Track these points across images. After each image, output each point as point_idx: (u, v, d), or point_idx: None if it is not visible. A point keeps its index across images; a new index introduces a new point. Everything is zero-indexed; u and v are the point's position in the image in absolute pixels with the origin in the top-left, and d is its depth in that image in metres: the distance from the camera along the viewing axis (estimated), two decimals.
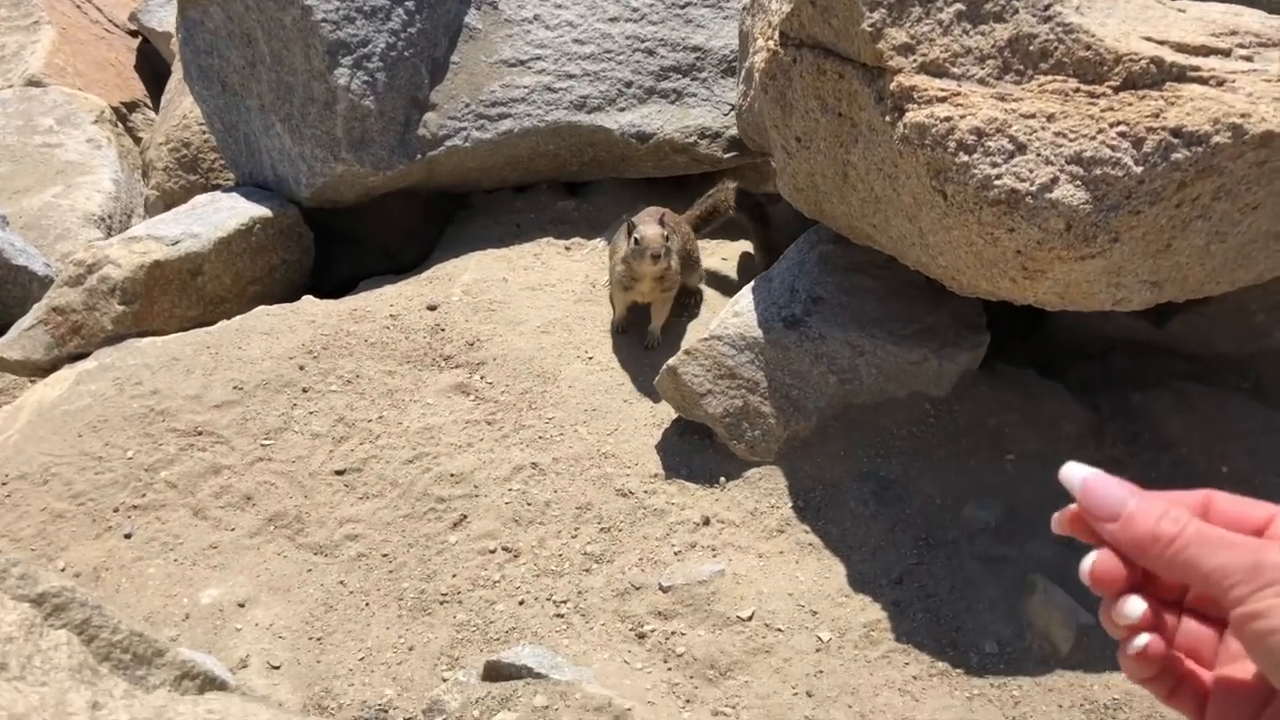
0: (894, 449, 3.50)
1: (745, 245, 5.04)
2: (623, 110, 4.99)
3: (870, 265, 3.74)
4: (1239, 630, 0.75)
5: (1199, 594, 0.87)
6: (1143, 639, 0.83)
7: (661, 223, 4.03)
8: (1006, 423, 3.57)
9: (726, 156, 5.05)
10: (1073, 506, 0.88)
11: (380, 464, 3.83)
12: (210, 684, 2.38)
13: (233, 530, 3.63)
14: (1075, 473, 0.87)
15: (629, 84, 5.00)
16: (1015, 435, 3.52)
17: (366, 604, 3.38)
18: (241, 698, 2.34)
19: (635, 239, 3.97)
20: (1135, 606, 0.83)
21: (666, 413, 3.87)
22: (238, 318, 4.49)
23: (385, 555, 3.52)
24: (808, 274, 3.72)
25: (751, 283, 3.80)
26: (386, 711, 3.03)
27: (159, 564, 3.52)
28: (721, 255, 5.05)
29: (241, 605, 3.39)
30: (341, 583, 3.45)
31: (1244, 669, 0.82)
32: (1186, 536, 0.80)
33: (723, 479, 3.60)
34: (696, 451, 3.73)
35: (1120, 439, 3.56)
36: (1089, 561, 0.86)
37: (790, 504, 3.47)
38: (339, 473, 3.81)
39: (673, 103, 5.03)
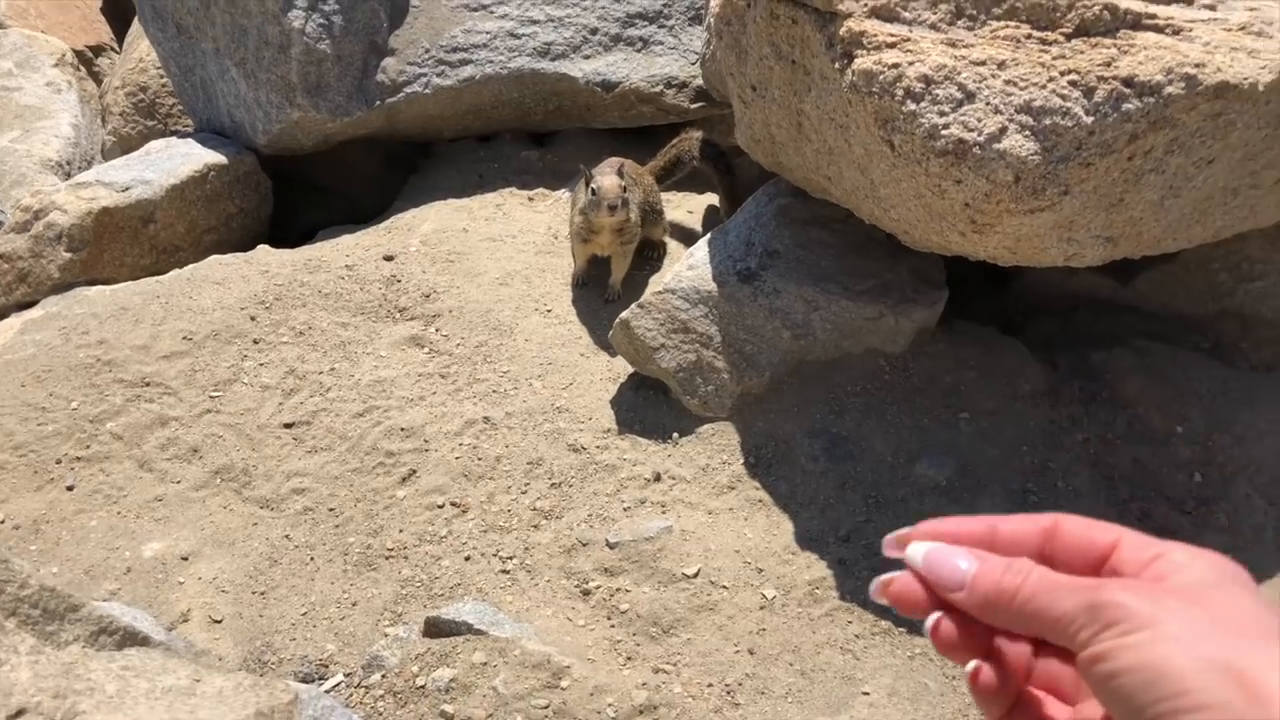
0: (847, 406, 3.46)
1: (711, 198, 4.95)
2: (588, 58, 4.87)
3: (828, 219, 3.67)
4: (1085, 674, 0.72)
5: None
6: (932, 619, 0.82)
7: (620, 173, 3.95)
8: (963, 381, 3.52)
9: (693, 107, 4.94)
10: (892, 575, 0.86)
11: (330, 417, 3.77)
12: (131, 639, 2.34)
13: (178, 483, 3.58)
14: (916, 551, 0.83)
15: (594, 31, 4.88)
16: (971, 393, 3.48)
17: (311, 558, 3.34)
18: (163, 653, 2.30)
19: (592, 190, 3.89)
20: (933, 618, 0.81)
21: (623, 367, 3.82)
22: (189, 267, 4.40)
23: (332, 510, 3.48)
24: (764, 227, 3.65)
25: (707, 235, 3.73)
26: (326, 666, 3.00)
27: (101, 516, 3.47)
28: (687, 208, 4.97)
29: (185, 559, 3.35)
30: (287, 537, 3.41)
31: (1096, 708, 0.78)
32: (1030, 586, 0.77)
33: (675, 435, 3.55)
34: (650, 407, 3.68)
35: (1077, 398, 3.52)
36: (878, 581, 0.83)
37: (742, 460, 3.43)
38: (288, 425, 3.75)
39: (639, 51, 4.91)
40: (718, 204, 4.83)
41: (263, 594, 3.23)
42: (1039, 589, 0.76)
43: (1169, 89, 2.42)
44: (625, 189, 3.90)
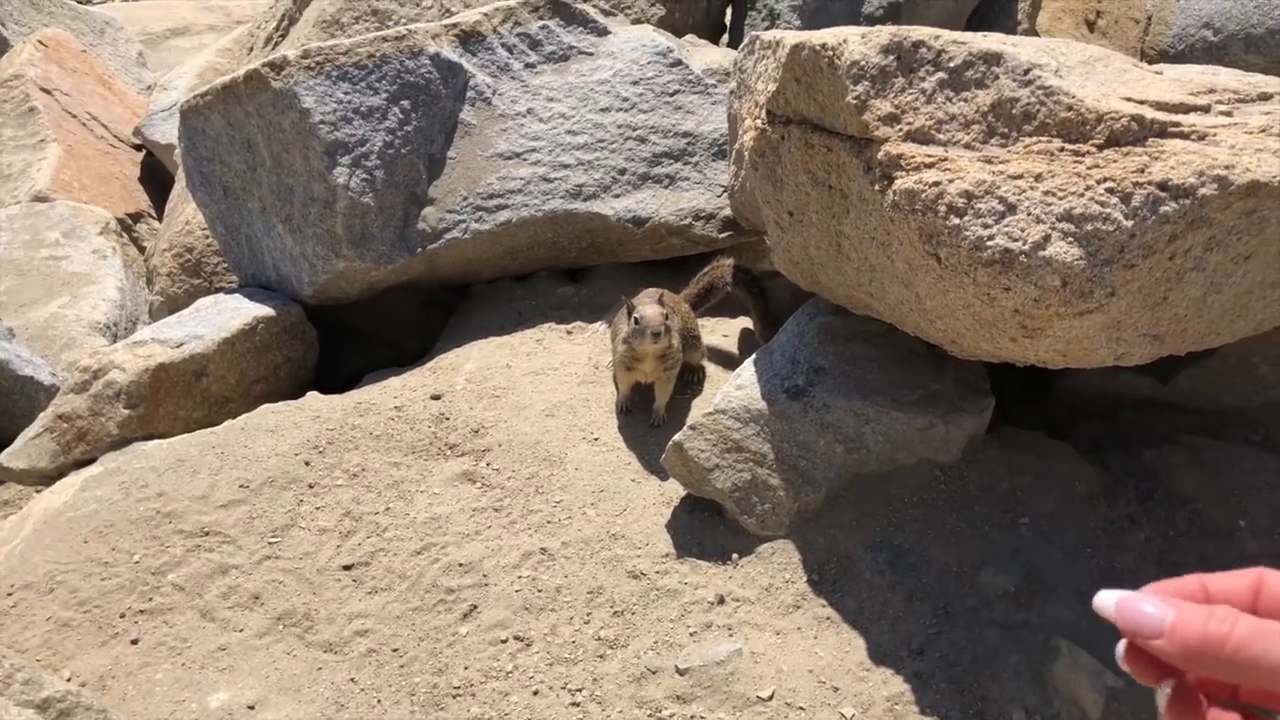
0: (906, 517, 3.47)
1: (745, 322, 5.07)
2: (618, 197, 5.07)
3: (870, 334, 3.76)
4: None
5: (1255, 690, 0.84)
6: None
7: (660, 302, 4.07)
8: (1018, 485, 3.54)
9: (721, 236, 5.12)
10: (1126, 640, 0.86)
11: (388, 557, 3.79)
12: None
13: (241, 631, 3.58)
14: (1107, 599, 0.85)
15: (623, 171, 5.09)
16: (1028, 497, 3.49)
17: (379, 701, 3.31)
18: None
19: (635, 319, 3.99)
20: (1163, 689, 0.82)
21: (675, 490, 3.85)
22: (243, 417, 4.50)
23: (395, 650, 3.46)
24: (808, 345, 3.73)
25: (753, 356, 3.82)
26: None
27: (166, 669, 3.46)
28: (722, 333, 5.08)
29: (251, 708, 3.32)
30: (352, 680, 3.38)
31: None
32: (1240, 633, 0.77)
33: (735, 555, 3.55)
34: (707, 528, 3.69)
35: (1134, 497, 3.52)
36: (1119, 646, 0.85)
37: (805, 578, 3.42)
38: (347, 568, 3.77)
39: (666, 187, 5.12)
40: (752, 327, 4.94)
41: None
42: (1252, 636, 0.77)
43: (1202, 190, 2.52)
44: (667, 316, 4.00)
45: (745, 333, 5.01)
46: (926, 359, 3.68)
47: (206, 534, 3.89)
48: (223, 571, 3.76)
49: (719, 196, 5.11)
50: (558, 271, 5.38)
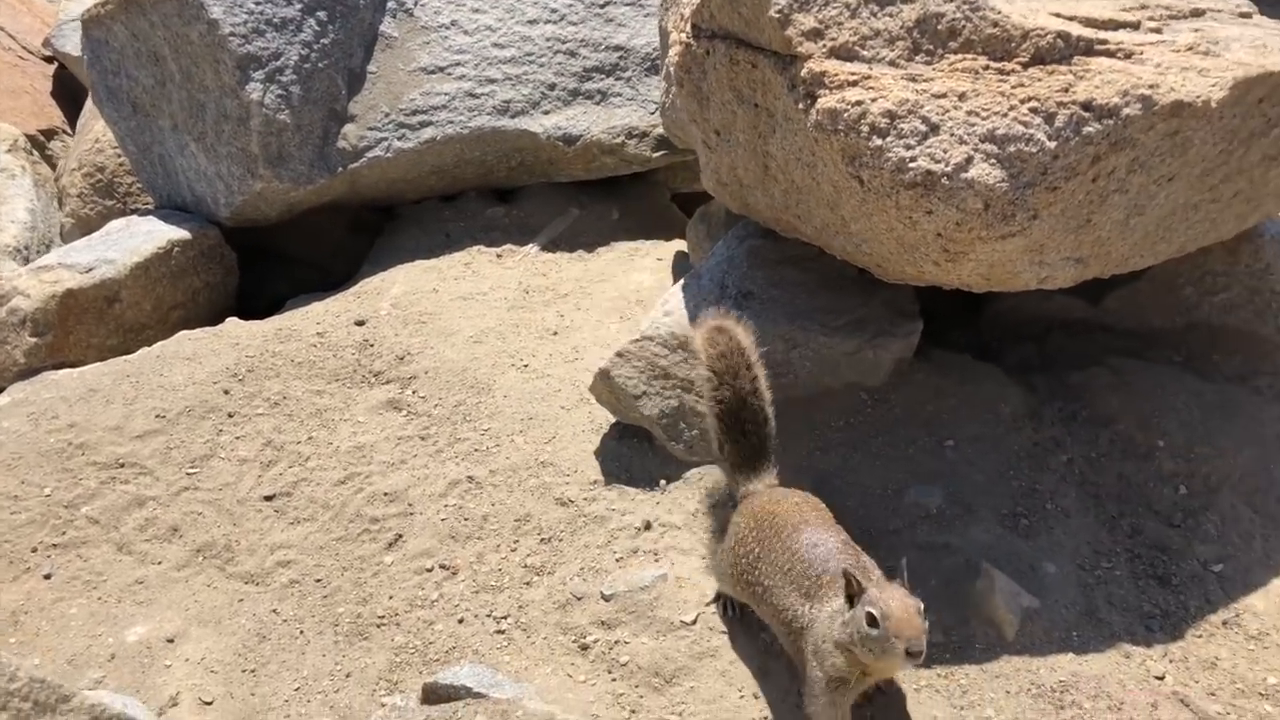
0: (832, 441, 3.46)
1: (680, 244, 4.99)
2: (547, 113, 4.92)
3: (800, 258, 3.70)
4: None
5: None
6: None
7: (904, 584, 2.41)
8: (944, 408, 3.54)
9: (655, 156, 5.01)
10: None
11: (311, 486, 3.71)
12: None
13: (159, 563, 3.50)
14: None
15: (552, 86, 4.93)
16: (953, 420, 3.49)
17: (301, 631, 3.27)
18: None
19: (870, 614, 2.33)
20: None
21: (606, 418, 3.80)
22: (158, 344, 4.35)
23: (319, 580, 3.41)
24: (737, 269, 3.67)
25: (680, 281, 3.75)
26: None
27: (81, 603, 3.38)
28: (657, 255, 5.00)
29: (170, 641, 3.26)
30: (274, 611, 3.34)
31: None
32: None
33: (663, 481, 3.53)
34: (636, 455, 3.66)
35: (1059, 419, 3.55)
36: None
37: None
38: (268, 498, 3.69)
39: (598, 104, 4.97)
40: (686, 249, 4.87)
41: (253, 672, 3.15)
42: None
43: (1126, 110, 2.48)
44: (924, 612, 2.35)
45: (680, 255, 4.94)
46: (856, 283, 3.64)
47: (121, 465, 3.78)
48: (139, 503, 3.66)
49: (653, 114, 4.98)
50: (487, 192, 5.23)
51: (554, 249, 4.95)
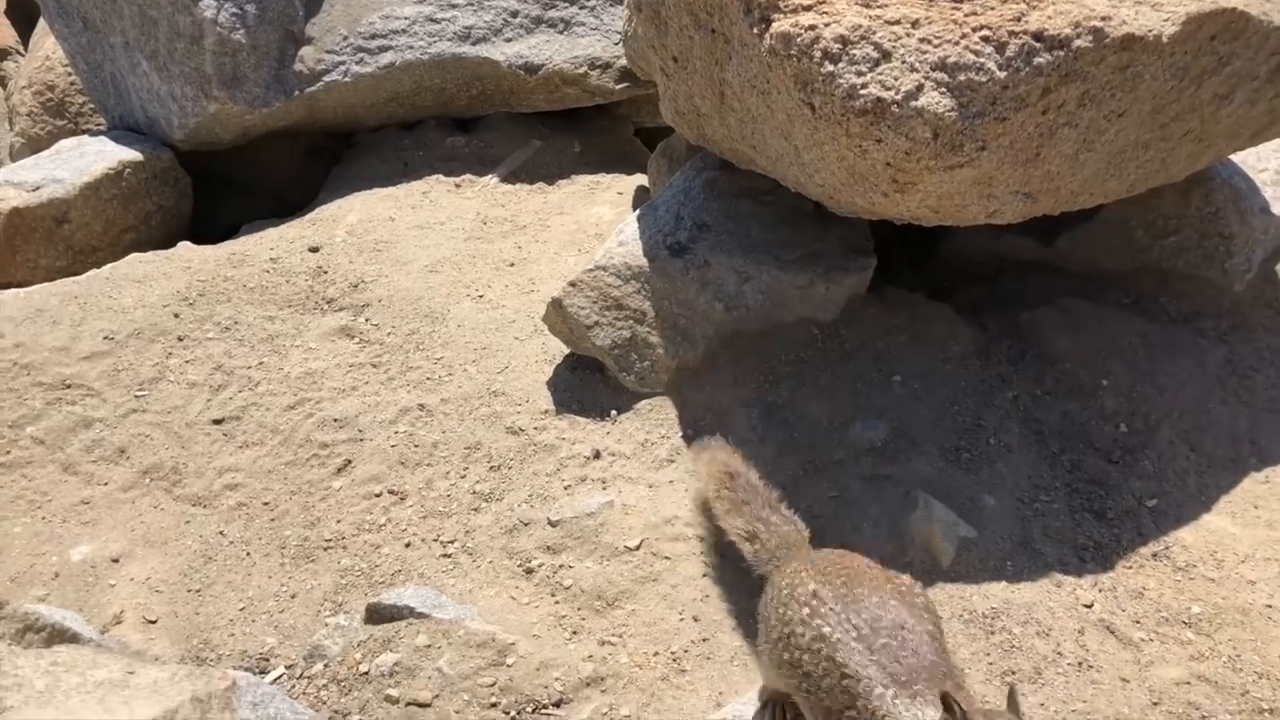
0: (782, 374, 3.48)
1: (641, 178, 4.95)
2: (509, 41, 4.84)
3: (756, 191, 3.68)
4: None
5: None
6: None
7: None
8: (894, 345, 3.56)
9: (618, 88, 4.94)
10: None
11: (260, 411, 3.69)
12: (60, 637, 2.27)
13: (105, 485, 3.48)
14: None
15: (515, 13, 4.84)
16: (902, 357, 3.52)
17: (248, 554, 3.27)
18: (94, 649, 2.23)
19: None
20: None
21: (559, 349, 3.80)
22: (108, 266, 4.28)
23: (266, 504, 3.41)
24: (693, 200, 3.65)
25: (637, 211, 3.73)
26: (267, 660, 2.93)
27: (25, 522, 3.35)
28: (618, 189, 4.96)
29: (115, 561, 3.25)
30: (221, 533, 3.33)
31: None
32: None
33: (614, 412, 3.54)
34: (588, 386, 3.67)
35: (1006, 357, 3.58)
36: None
37: (680, 433, 3.43)
38: (217, 421, 3.67)
39: (561, 32, 4.89)
40: (647, 184, 4.83)
41: (198, 592, 3.16)
42: None
43: (1077, 42, 2.47)
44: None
45: (640, 189, 4.91)
46: (811, 217, 3.63)
47: (68, 386, 3.74)
48: (86, 425, 3.63)
49: (616, 45, 4.91)
50: (447, 121, 5.16)
51: (514, 180, 4.90)
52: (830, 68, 2.53)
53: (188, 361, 3.86)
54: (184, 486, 3.48)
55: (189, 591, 3.16)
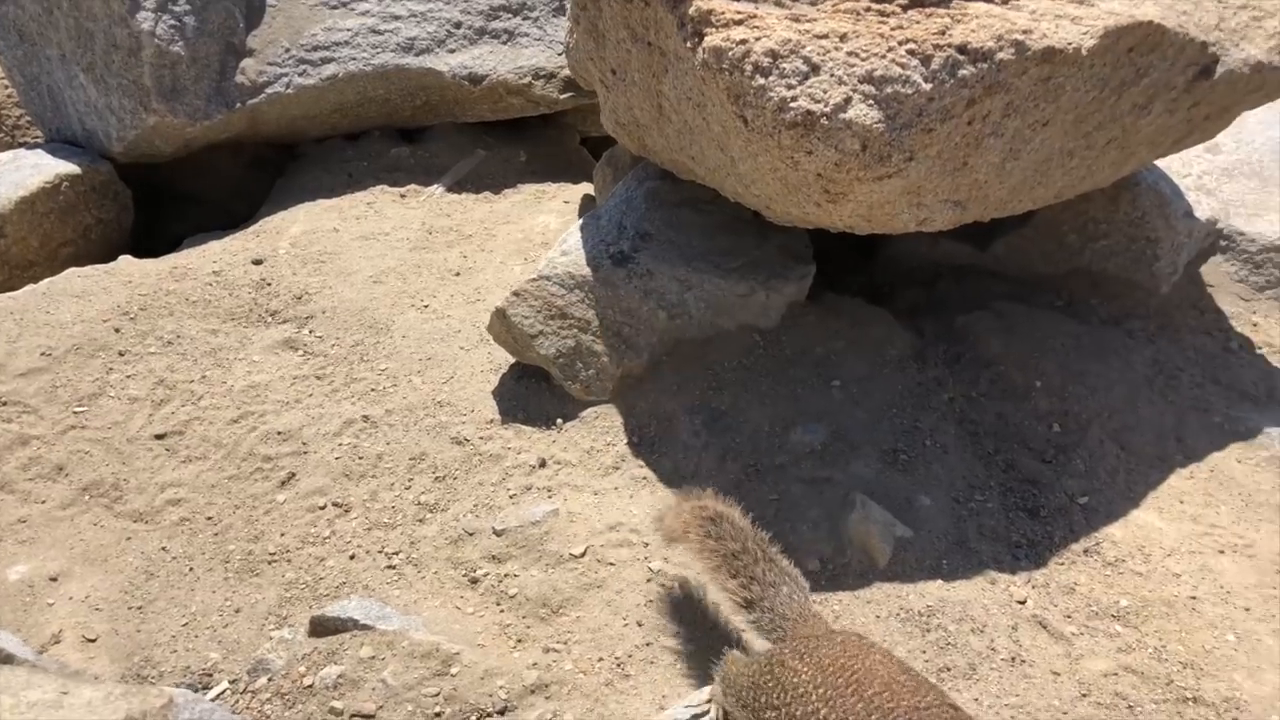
0: (725, 381, 3.53)
1: (587, 187, 4.99)
2: (453, 52, 4.85)
3: (696, 200, 3.73)
4: None
5: None
6: None
7: None
8: (833, 350, 3.63)
9: (562, 97, 4.97)
10: None
11: (204, 425, 3.67)
12: None
13: (43, 503, 3.43)
14: None
15: (458, 24, 4.85)
16: (841, 362, 3.59)
17: (190, 569, 3.25)
18: (29, 670, 2.22)
19: None
20: None
21: (505, 358, 3.81)
22: (45, 281, 4.23)
23: (210, 518, 3.39)
24: (635, 210, 3.69)
25: (579, 221, 3.76)
26: (210, 675, 2.92)
27: None
28: (564, 198, 4.99)
29: (54, 579, 3.21)
30: (164, 549, 3.30)
31: None
32: None
33: (560, 420, 3.57)
34: (533, 395, 3.69)
35: (942, 360, 3.66)
36: None
37: (625, 440, 3.47)
38: (159, 436, 3.63)
39: (505, 43, 4.91)
40: (593, 193, 4.87)
41: (140, 609, 3.13)
42: None
43: (1000, 55, 2.54)
44: None
45: (587, 198, 4.94)
46: (751, 226, 3.69)
47: (4, 404, 3.68)
48: (22, 442, 3.58)
49: (560, 55, 4.95)
50: (392, 131, 5.16)
51: (459, 190, 4.91)
52: (761, 81, 2.58)
53: (129, 377, 3.83)
54: (125, 503, 3.44)
55: (130, 609, 3.13)
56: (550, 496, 3.32)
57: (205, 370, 3.86)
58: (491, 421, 3.61)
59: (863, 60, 2.55)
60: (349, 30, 4.72)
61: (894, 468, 3.25)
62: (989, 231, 3.98)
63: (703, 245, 3.63)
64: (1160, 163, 3.98)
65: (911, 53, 2.53)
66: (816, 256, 3.77)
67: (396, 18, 4.79)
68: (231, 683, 2.86)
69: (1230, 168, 4.24)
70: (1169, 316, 3.85)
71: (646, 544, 3.12)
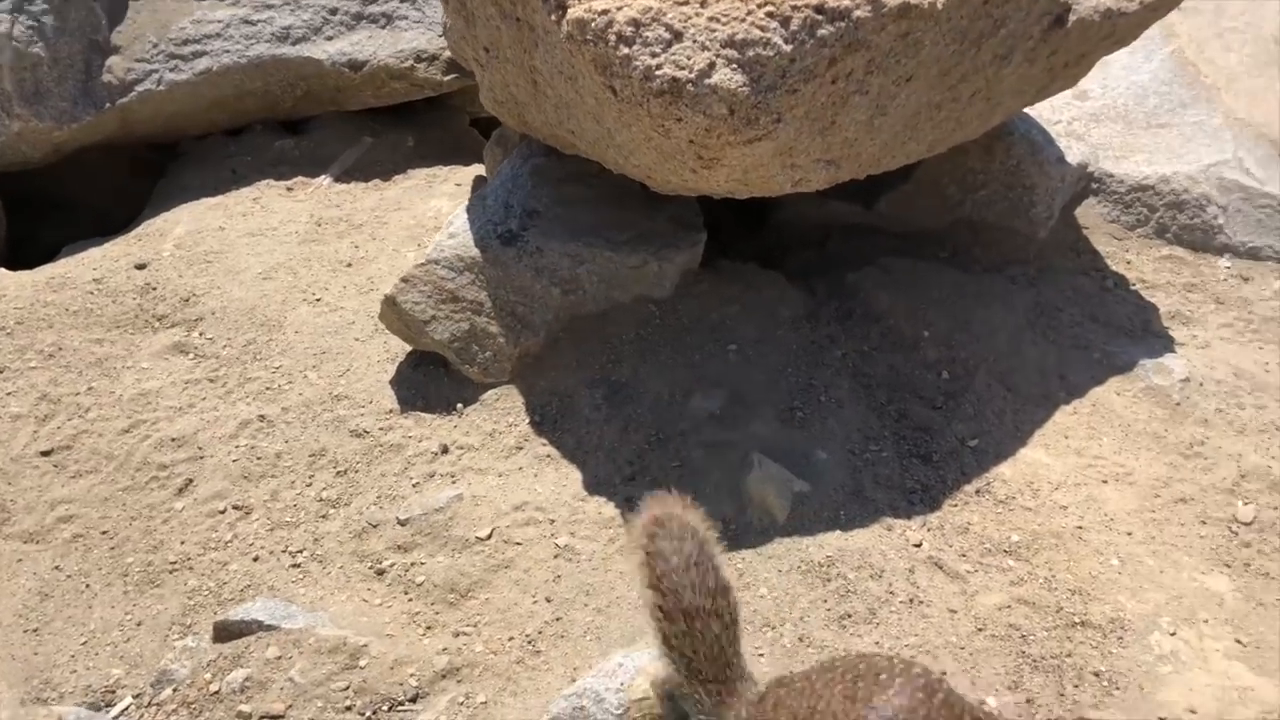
0: (623, 353, 3.55)
1: (479, 168, 4.94)
2: (331, 39, 4.75)
3: (585, 174, 3.73)
4: None
5: None
6: None
7: None
8: (728, 315, 3.67)
9: (447, 79, 4.91)
10: None
11: (93, 438, 3.57)
12: None
13: None
14: None
15: (334, 10, 4.76)
16: (736, 325, 3.63)
17: (87, 585, 3.17)
18: None
19: None
20: None
21: (401, 347, 3.77)
22: None
23: (105, 533, 3.30)
24: (521, 188, 3.68)
25: (465, 203, 3.73)
26: (113, 692, 2.86)
27: None
28: (455, 180, 4.94)
29: None
30: (58, 568, 3.21)
31: None
32: None
33: (460, 405, 3.55)
34: (432, 381, 3.66)
35: (834, 317, 3.73)
36: None
37: (528, 420, 3.47)
38: (46, 453, 3.52)
39: (383, 27, 4.83)
40: (485, 175, 4.83)
41: (35, 631, 3.04)
42: None
43: (857, 12, 2.58)
44: None
45: (479, 179, 4.89)
46: (639, 198, 3.70)
47: None
48: None
49: (441, 36, 4.88)
50: (275, 124, 5.04)
51: (348, 179, 4.82)
52: (625, 50, 2.59)
53: (9, 394, 3.70)
54: (14, 524, 3.33)
55: (25, 632, 3.04)
56: (454, 482, 3.30)
57: (91, 381, 3.75)
58: (391, 411, 3.58)
59: (723, 25, 2.57)
60: (219, 21, 4.59)
61: (791, 425, 3.31)
62: (874, 189, 4.05)
63: (592, 219, 3.64)
64: (1031, 111, 4.09)
65: (771, 15, 2.55)
66: (709, 225, 3.80)
67: (269, 6, 4.67)
68: (135, 697, 2.80)
69: (1097, 113, 4.38)
70: (1048, 260, 3.98)
71: (552, 521, 3.13)
